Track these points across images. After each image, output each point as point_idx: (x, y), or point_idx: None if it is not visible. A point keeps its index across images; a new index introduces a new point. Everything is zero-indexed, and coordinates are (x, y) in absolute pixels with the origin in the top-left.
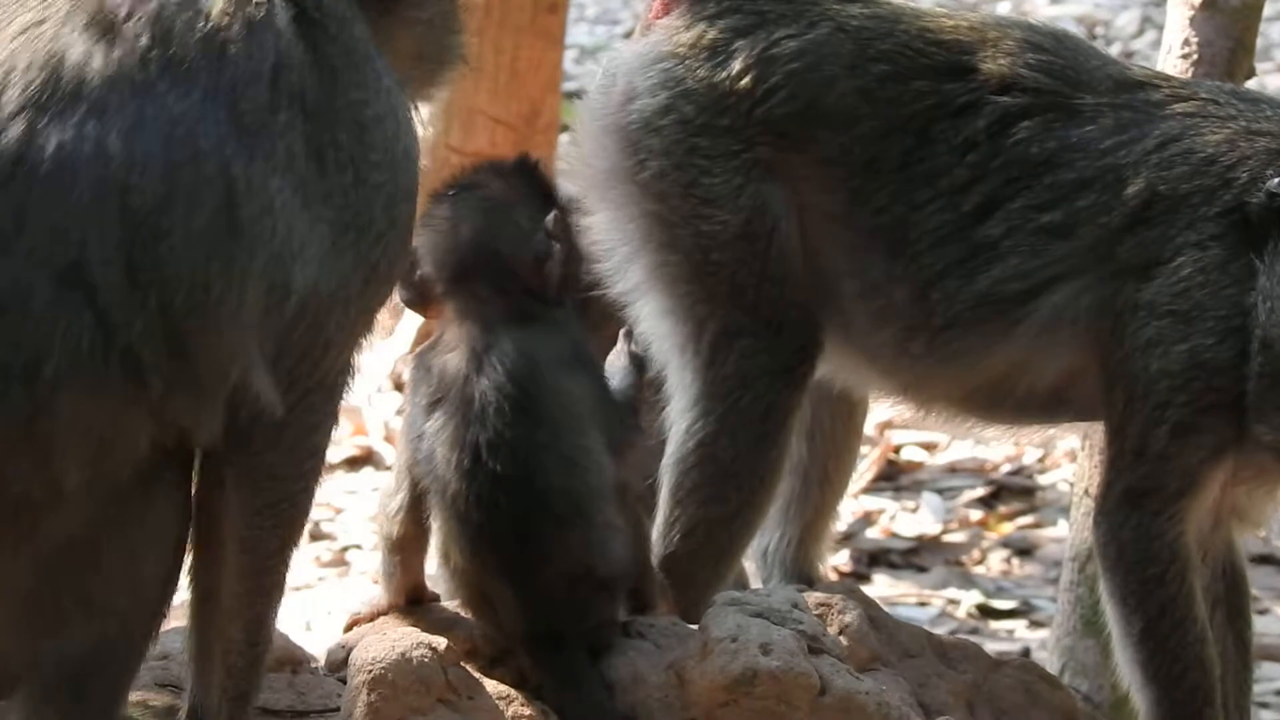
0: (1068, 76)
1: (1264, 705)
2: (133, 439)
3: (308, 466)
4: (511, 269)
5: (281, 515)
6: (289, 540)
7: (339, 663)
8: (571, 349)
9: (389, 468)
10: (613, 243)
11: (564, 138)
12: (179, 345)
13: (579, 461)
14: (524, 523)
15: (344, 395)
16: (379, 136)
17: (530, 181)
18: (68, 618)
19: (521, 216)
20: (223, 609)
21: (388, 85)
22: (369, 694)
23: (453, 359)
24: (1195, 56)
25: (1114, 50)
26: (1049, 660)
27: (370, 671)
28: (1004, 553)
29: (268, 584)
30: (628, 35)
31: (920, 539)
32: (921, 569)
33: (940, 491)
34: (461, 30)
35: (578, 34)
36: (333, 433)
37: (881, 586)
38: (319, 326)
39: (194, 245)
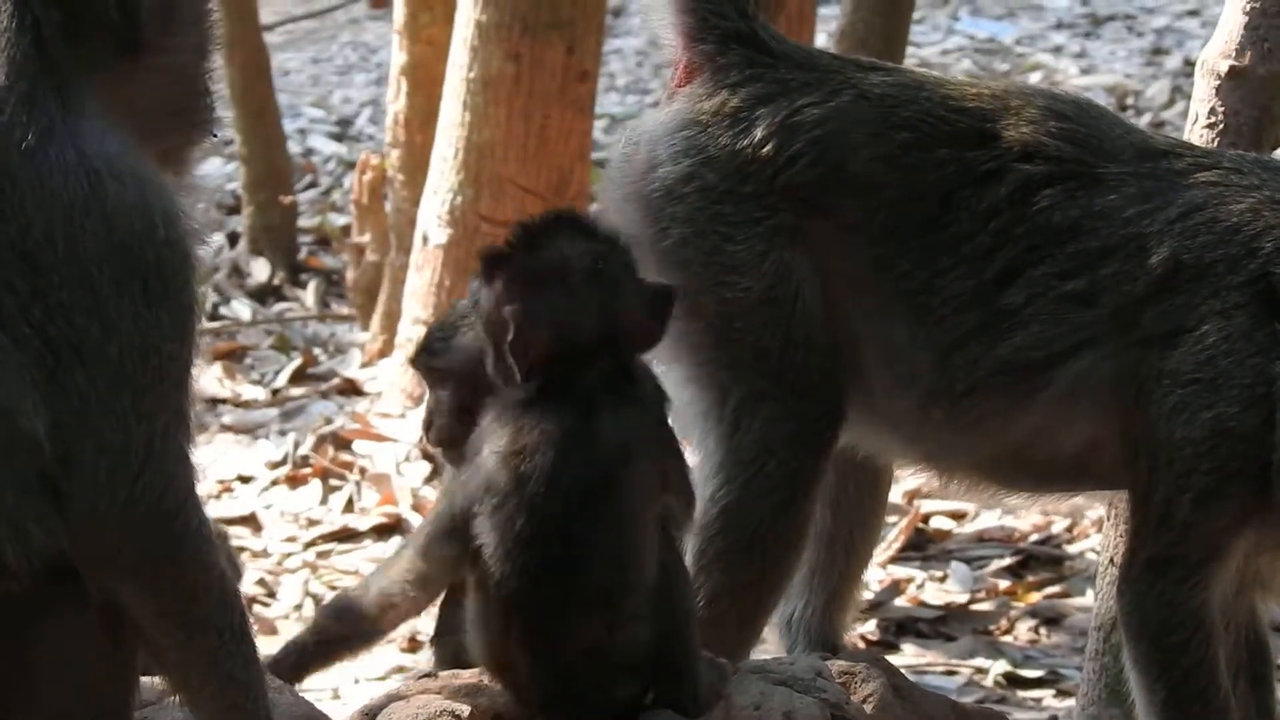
0: (1090, 145)
1: None
2: None
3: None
4: (624, 335)
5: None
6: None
7: None
8: (657, 427)
9: None
10: None
11: (594, 207)
12: None
13: (625, 562)
14: (554, 602)
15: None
16: None
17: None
18: None
19: (630, 279)
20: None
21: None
22: None
23: (538, 438)
24: (1221, 126)
25: (1144, 120)
26: None
27: None
28: (1032, 622)
29: (219, 675)
30: (658, 105)
31: (948, 608)
32: (949, 638)
33: (968, 560)
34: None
35: (608, 103)
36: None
37: (909, 655)
38: None
39: None
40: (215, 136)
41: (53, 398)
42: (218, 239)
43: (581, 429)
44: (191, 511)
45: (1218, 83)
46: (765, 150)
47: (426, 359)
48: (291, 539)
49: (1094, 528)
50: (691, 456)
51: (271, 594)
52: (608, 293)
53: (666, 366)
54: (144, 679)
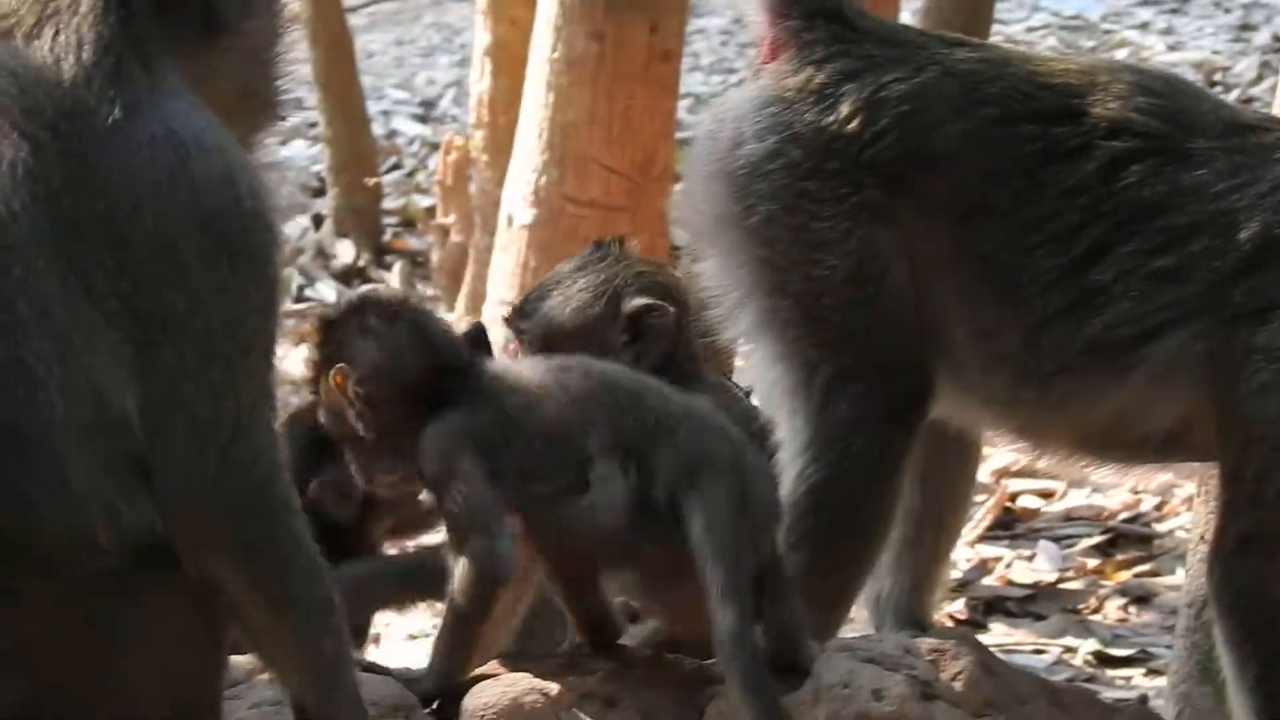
0: (1178, 120)
1: None
2: None
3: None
4: None
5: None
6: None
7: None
8: None
9: None
10: (723, 288)
11: (678, 186)
12: None
13: None
14: None
15: None
16: None
17: None
18: None
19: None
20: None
21: None
22: None
23: None
24: None
25: (1232, 96)
26: (1165, 708)
27: (482, 716)
28: (1121, 600)
29: (309, 648)
30: (743, 83)
31: (1037, 586)
32: (1038, 617)
33: (1057, 539)
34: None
35: (692, 82)
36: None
37: (998, 634)
38: None
39: None
40: (284, 119)
41: (142, 374)
42: (303, 221)
43: None
44: (280, 485)
45: None
46: (851, 127)
47: (517, 321)
48: None
49: (1183, 505)
50: (779, 434)
51: None
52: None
53: (753, 344)
54: (233, 657)
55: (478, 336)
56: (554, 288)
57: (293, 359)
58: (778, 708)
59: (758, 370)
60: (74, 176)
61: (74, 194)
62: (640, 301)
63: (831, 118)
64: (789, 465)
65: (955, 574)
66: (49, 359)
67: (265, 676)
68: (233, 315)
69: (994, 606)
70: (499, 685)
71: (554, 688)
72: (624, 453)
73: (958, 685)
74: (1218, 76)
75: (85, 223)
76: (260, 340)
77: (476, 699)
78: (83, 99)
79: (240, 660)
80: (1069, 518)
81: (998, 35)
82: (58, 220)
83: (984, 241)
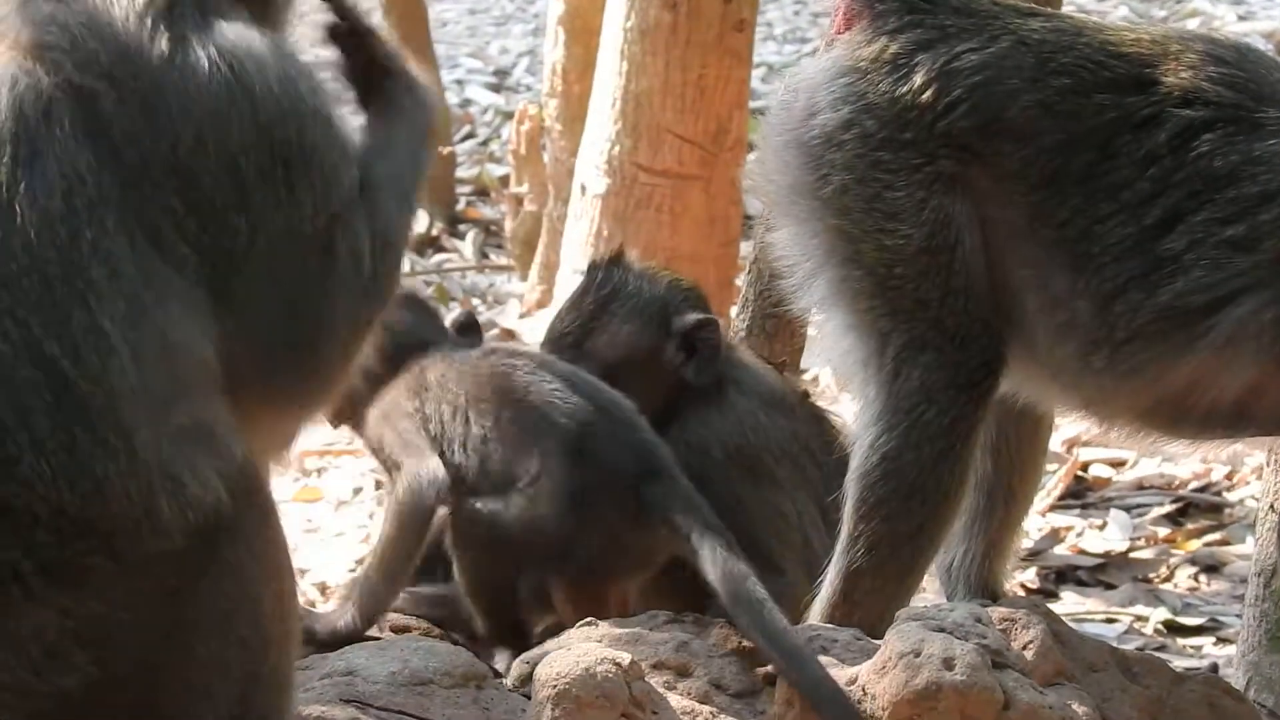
0: (1250, 90)
1: None
2: None
3: None
4: None
5: None
6: None
7: (524, 678)
8: None
9: None
10: (796, 258)
11: (751, 156)
12: None
13: None
14: None
15: None
16: None
17: None
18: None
19: None
20: None
21: None
22: (553, 709)
23: None
24: None
25: None
26: (1234, 676)
27: (555, 687)
28: (1191, 569)
29: None
30: (816, 52)
31: (1108, 556)
32: (1109, 586)
33: (1128, 509)
34: None
35: (765, 52)
36: None
37: (1069, 603)
38: None
39: None
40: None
41: (219, 314)
42: None
43: None
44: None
45: None
46: (924, 97)
47: (573, 360)
48: None
49: (1254, 475)
50: (852, 404)
51: None
52: None
53: (826, 314)
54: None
55: (467, 324)
56: (594, 323)
57: None
58: None
59: (830, 340)
60: (134, 124)
61: (137, 143)
62: (693, 318)
63: (905, 88)
64: (861, 434)
65: (1026, 543)
66: (122, 322)
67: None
68: (289, 225)
69: (1065, 575)
70: (571, 655)
71: (626, 657)
72: None
73: (1028, 654)
74: None
75: (151, 169)
76: (324, 237)
77: (549, 668)
78: (134, 40)
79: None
80: (1140, 487)
81: (1069, 5)
82: (123, 174)
83: (1056, 211)
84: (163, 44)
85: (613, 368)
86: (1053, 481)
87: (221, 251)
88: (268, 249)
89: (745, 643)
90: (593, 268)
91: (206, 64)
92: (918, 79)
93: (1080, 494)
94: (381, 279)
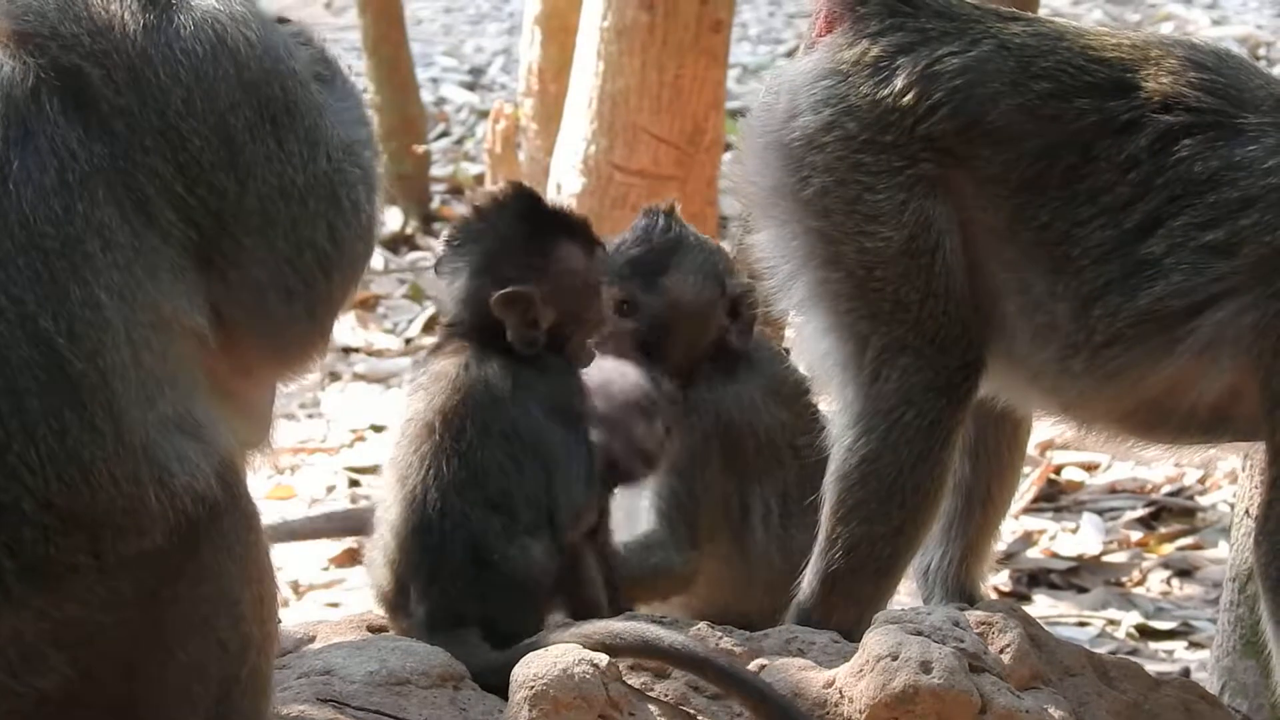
0: (1230, 95)
1: None
2: None
3: None
4: None
5: None
6: None
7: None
8: None
9: None
10: (776, 260)
11: (728, 156)
12: None
13: None
14: None
15: None
16: None
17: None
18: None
19: None
20: None
21: None
22: (530, 710)
23: None
24: None
25: (1275, 71)
26: (1209, 680)
27: (531, 688)
28: (1164, 573)
29: None
30: (790, 54)
31: (1080, 559)
32: (1082, 589)
33: (1101, 512)
34: None
35: (740, 53)
36: None
37: (1042, 607)
38: None
39: None
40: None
41: (209, 280)
42: None
43: None
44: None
45: None
46: (906, 100)
47: (637, 289)
48: None
49: (1227, 479)
50: (830, 406)
51: None
52: None
53: (806, 316)
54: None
55: None
56: (667, 262)
57: (341, 327)
58: None
59: (809, 342)
60: (123, 95)
61: (125, 114)
62: (744, 283)
63: (886, 91)
64: (840, 436)
65: (1000, 546)
66: (118, 294)
67: (313, 646)
68: (283, 180)
69: (1038, 579)
70: (548, 656)
71: (603, 659)
72: None
73: (1006, 658)
74: (1261, 51)
75: (141, 136)
76: (317, 189)
77: (526, 669)
78: (115, 14)
79: (287, 630)
80: (1113, 490)
81: (1045, 8)
82: (113, 145)
83: (1037, 214)
84: (146, 14)
85: (676, 310)
86: (1026, 484)
87: (209, 213)
88: (258, 205)
89: (723, 645)
90: (652, 212)
91: (191, 27)
92: (899, 82)
93: (1053, 497)
94: (375, 223)
